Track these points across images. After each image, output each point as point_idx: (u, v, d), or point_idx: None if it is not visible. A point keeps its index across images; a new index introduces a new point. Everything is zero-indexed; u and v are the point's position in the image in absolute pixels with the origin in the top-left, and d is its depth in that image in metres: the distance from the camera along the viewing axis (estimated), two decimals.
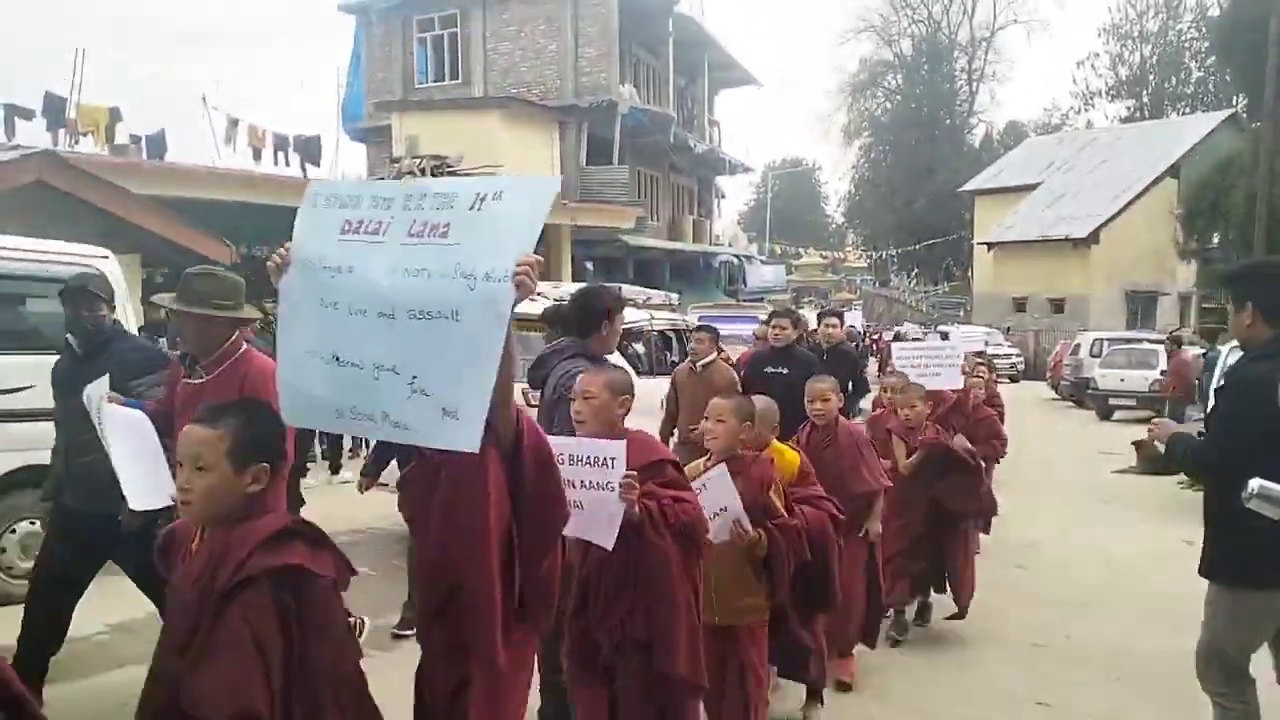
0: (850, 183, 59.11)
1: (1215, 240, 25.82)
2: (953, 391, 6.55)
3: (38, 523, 5.38)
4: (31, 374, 5.15)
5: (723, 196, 37.63)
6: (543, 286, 9.13)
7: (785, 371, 6.45)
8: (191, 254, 10.44)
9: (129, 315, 6.02)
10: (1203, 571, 3.32)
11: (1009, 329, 31.01)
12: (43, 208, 9.03)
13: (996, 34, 52.32)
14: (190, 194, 11.79)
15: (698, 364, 6.71)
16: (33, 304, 6.06)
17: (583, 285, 6.27)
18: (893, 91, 54.95)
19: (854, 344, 15.41)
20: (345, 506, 7.96)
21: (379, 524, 7.72)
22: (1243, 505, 2.77)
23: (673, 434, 6.54)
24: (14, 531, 5.57)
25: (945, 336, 21.48)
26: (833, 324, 7.97)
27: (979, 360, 8.56)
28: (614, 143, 23.90)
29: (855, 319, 18.79)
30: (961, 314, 37.37)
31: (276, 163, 18.30)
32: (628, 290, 9.35)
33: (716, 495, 3.22)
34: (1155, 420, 3.62)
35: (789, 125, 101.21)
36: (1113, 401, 18.40)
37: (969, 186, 39.20)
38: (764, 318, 9.41)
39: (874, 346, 21.01)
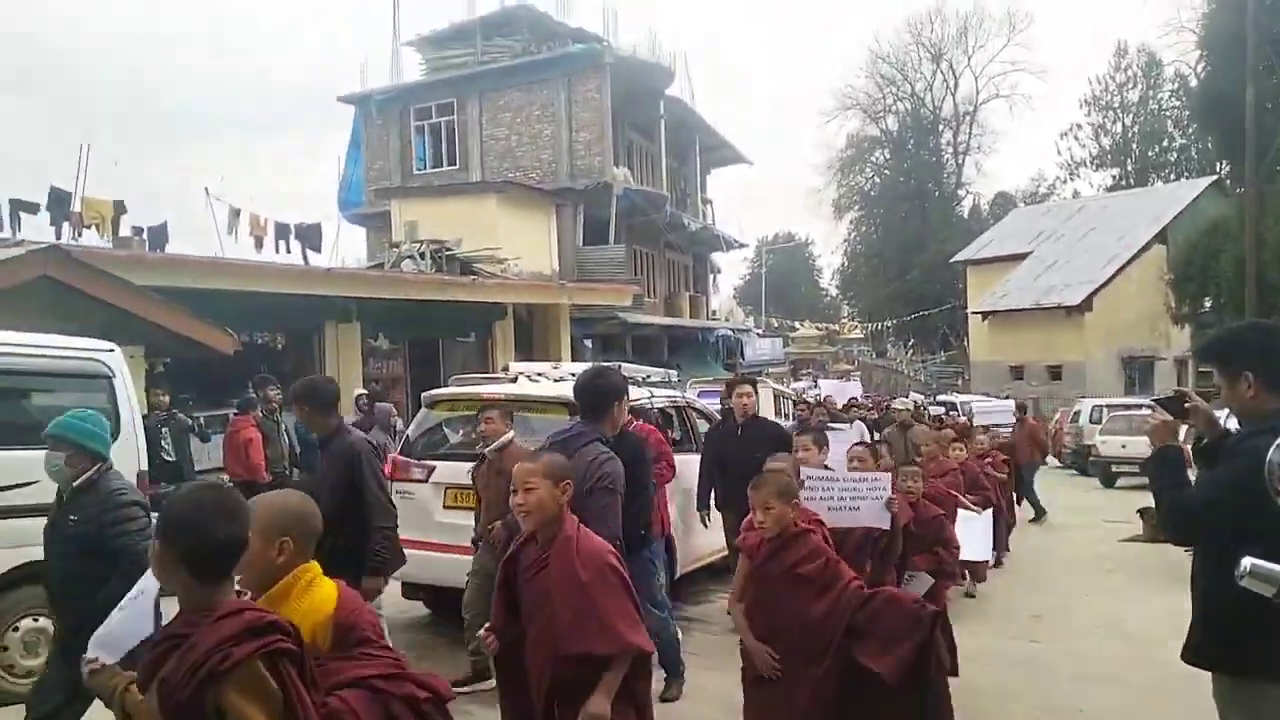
0: (843, 255, 59.89)
1: (1207, 304, 26.06)
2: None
3: (40, 618, 5.34)
4: (33, 470, 5.16)
5: (718, 272, 38.04)
6: (543, 367, 9.21)
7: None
8: (195, 344, 10.55)
9: (133, 405, 6.07)
10: (1196, 659, 3.03)
11: (1007, 397, 31.06)
12: (48, 302, 9.15)
13: (980, 108, 53.53)
14: (193, 284, 11.92)
15: (488, 449, 5.83)
16: (37, 399, 6.11)
17: (590, 366, 6.23)
18: (881, 166, 55.99)
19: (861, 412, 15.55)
20: None
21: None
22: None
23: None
24: (16, 629, 5.51)
25: (952, 408, 21.54)
26: (745, 393, 7.01)
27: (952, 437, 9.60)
28: (610, 223, 24.26)
29: (855, 390, 19.09)
30: (959, 382, 37.44)
31: (278, 251, 18.53)
32: (627, 368, 9.41)
33: None
34: (1190, 404, 3.12)
35: (781, 202, 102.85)
36: (1115, 468, 18.35)
37: (960, 257, 39.65)
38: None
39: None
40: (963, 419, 17.11)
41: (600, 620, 2.93)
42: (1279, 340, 2.98)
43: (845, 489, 4.44)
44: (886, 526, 4.55)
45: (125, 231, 15.50)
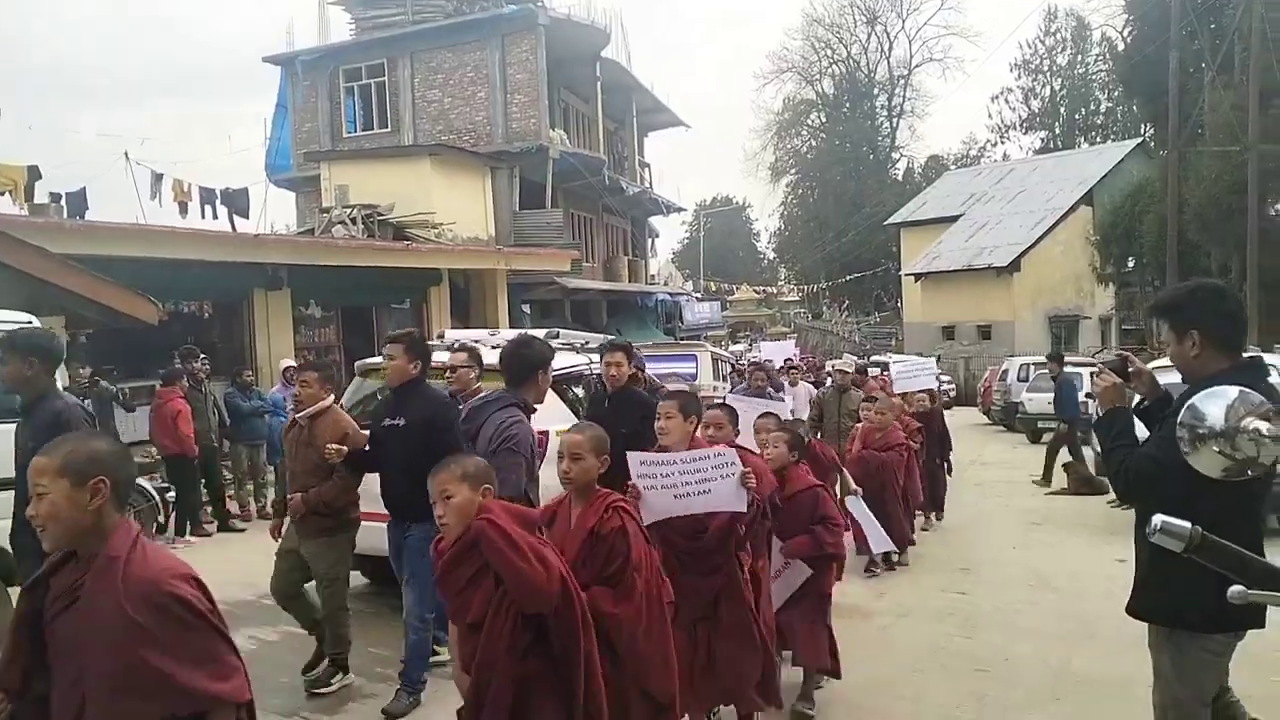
0: (780, 219, 60.26)
1: (1130, 264, 26.82)
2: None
3: None
4: None
5: (656, 236, 38.03)
6: (479, 334, 9.12)
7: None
8: (117, 314, 10.23)
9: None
10: (1135, 610, 3.15)
11: (939, 356, 31.70)
12: None
13: (914, 72, 54.02)
14: (115, 252, 11.54)
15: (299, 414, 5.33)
16: None
17: (518, 334, 6.20)
18: (817, 129, 56.28)
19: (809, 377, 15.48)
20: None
21: None
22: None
23: None
24: None
25: (886, 368, 21.79)
26: (616, 361, 5.97)
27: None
28: (546, 187, 24.04)
29: (791, 351, 18.82)
30: (893, 343, 38.07)
31: (204, 217, 18.05)
32: (566, 334, 9.36)
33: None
34: (1107, 379, 3.22)
35: (718, 165, 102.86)
36: (1041, 424, 18.86)
37: (894, 219, 40.16)
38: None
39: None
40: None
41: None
42: (1228, 304, 3.06)
43: (688, 470, 3.71)
44: (744, 508, 3.78)
45: (41, 198, 14.94)
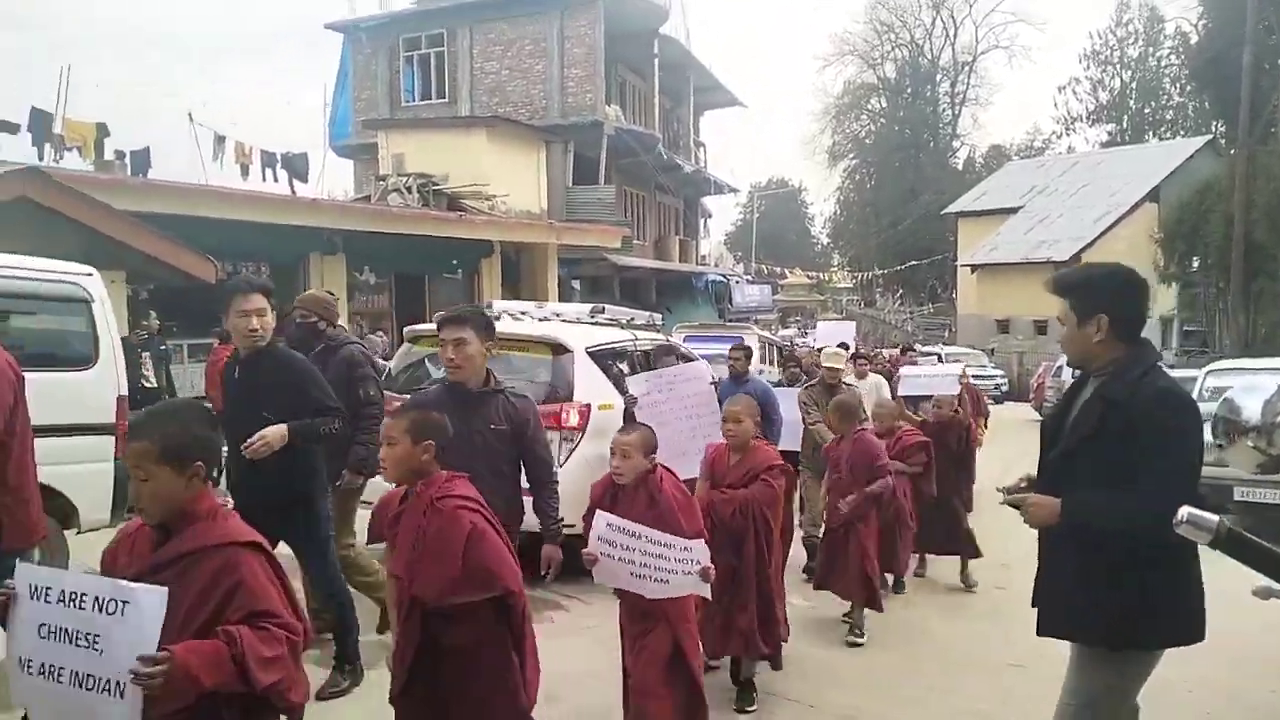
0: (835, 204, 59.60)
1: (1195, 264, 26.13)
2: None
3: None
4: None
5: (709, 216, 37.85)
6: (526, 306, 9.18)
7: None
8: (176, 271, 10.46)
9: (113, 331, 6.03)
10: (1068, 630, 2.96)
11: (993, 350, 31.22)
12: (27, 224, 9.03)
13: (979, 59, 52.97)
14: (176, 211, 11.79)
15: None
16: (15, 321, 6.05)
17: (566, 307, 6.31)
18: (876, 114, 55.48)
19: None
20: None
21: None
22: (1133, 548, 2.65)
23: None
24: None
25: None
26: (454, 341, 4.08)
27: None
28: (600, 163, 24.03)
29: (849, 334, 16.65)
30: (946, 334, 37.60)
31: (264, 180, 18.32)
32: (612, 309, 9.38)
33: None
34: (1032, 500, 2.89)
35: (774, 147, 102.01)
36: None
37: (952, 208, 39.53)
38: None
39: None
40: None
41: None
42: (1142, 294, 2.94)
43: (650, 554, 3.54)
44: (707, 595, 3.70)
45: (108, 155, 15.28)
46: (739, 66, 58.74)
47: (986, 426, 11.00)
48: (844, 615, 5.87)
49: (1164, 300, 30.87)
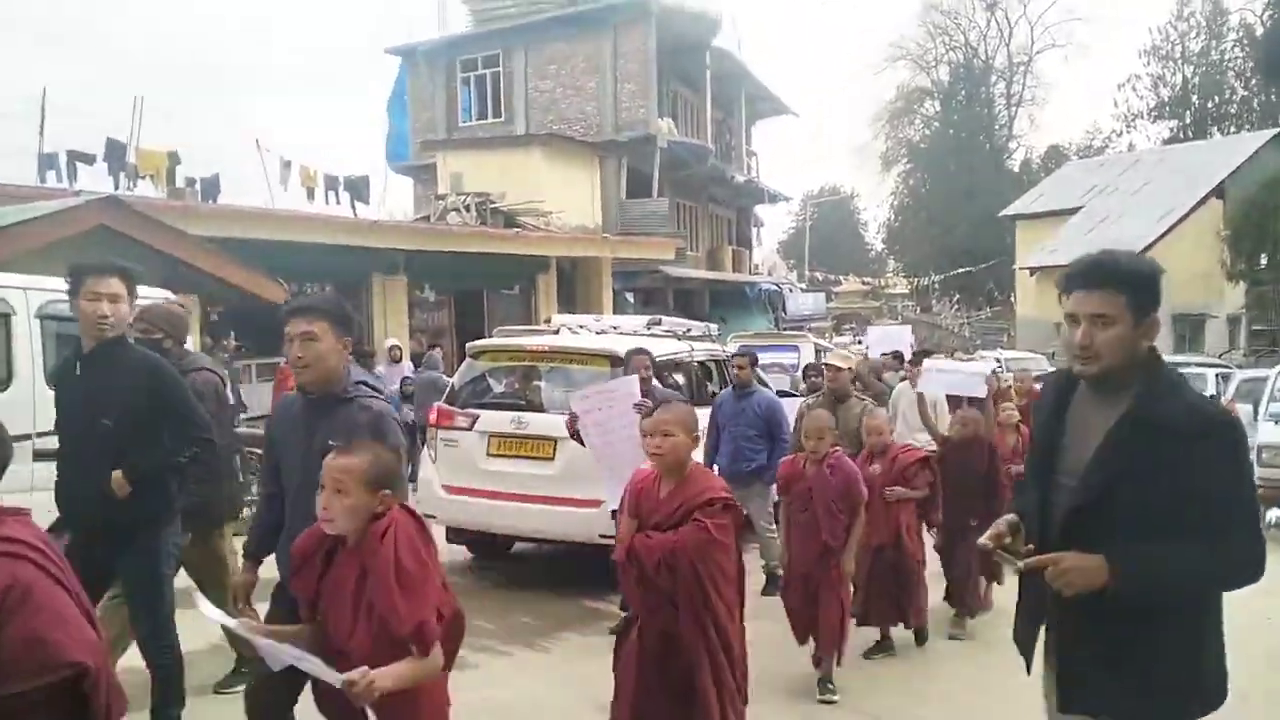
0: (889, 209, 59.04)
1: (1263, 261, 25.45)
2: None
3: None
4: None
5: (761, 226, 37.82)
6: (584, 319, 9.35)
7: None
8: (247, 293, 10.82)
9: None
10: (1104, 710, 2.34)
11: (1053, 354, 30.73)
12: (105, 251, 9.39)
13: (1034, 59, 52.18)
14: (244, 234, 12.18)
15: None
16: None
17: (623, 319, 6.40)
18: (930, 118, 54.90)
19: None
20: None
21: None
22: (1189, 610, 2.24)
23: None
24: None
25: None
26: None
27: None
28: (653, 176, 24.22)
29: (906, 340, 14.83)
30: (1005, 339, 37.04)
31: (328, 202, 18.80)
32: (668, 321, 9.50)
33: None
34: (1068, 562, 2.23)
35: (827, 154, 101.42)
36: None
37: (1009, 211, 38.93)
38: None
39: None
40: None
41: None
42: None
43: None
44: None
45: (179, 183, 15.82)
46: (791, 75, 58.65)
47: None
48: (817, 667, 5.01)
49: (1232, 299, 30.10)
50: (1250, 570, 2.19)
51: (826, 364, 7.26)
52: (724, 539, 3.35)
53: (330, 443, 2.91)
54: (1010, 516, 2.52)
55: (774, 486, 6.22)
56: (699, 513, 3.32)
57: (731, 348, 12.18)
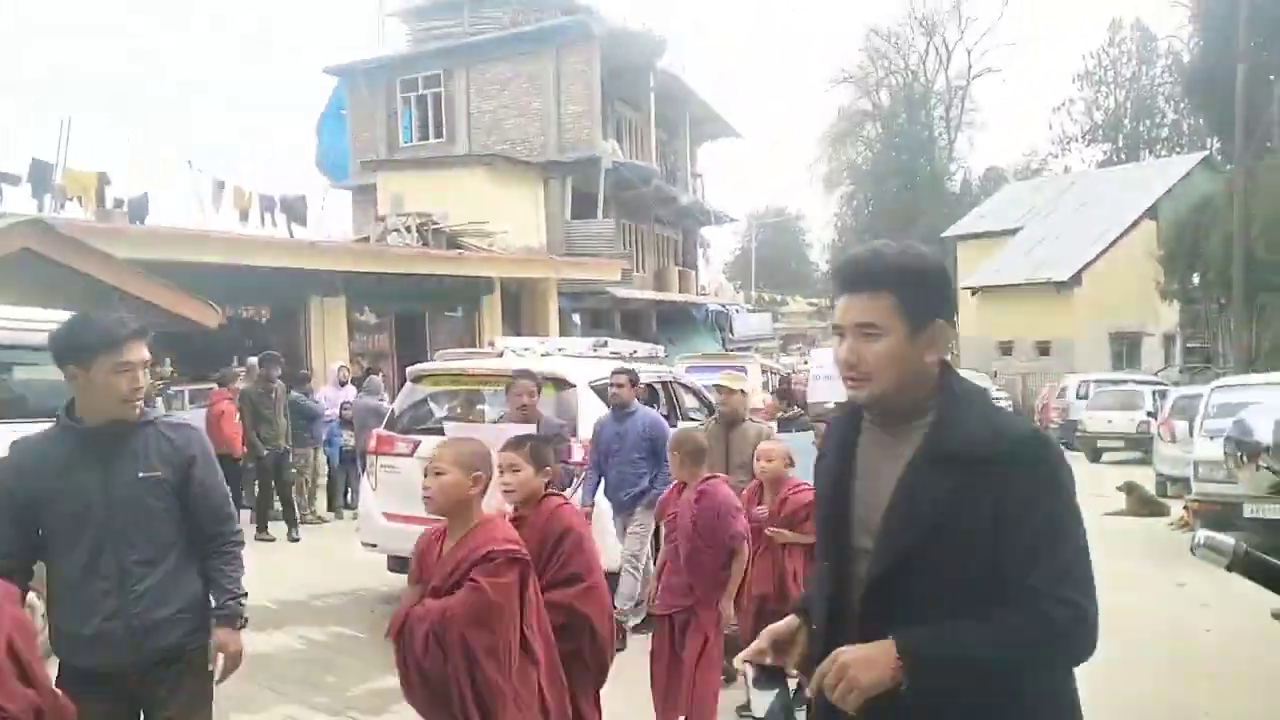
0: (834, 230, 59.79)
1: (1196, 281, 26.13)
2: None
3: None
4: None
5: (708, 247, 37.96)
6: (529, 342, 9.18)
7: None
8: (178, 317, 10.48)
9: None
10: None
11: (995, 373, 31.17)
12: (30, 275, 9.06)
13: (972, 83, 53.34)
14: (176, 257, 11.83)
15: None
16: (19, 372, 6.06)
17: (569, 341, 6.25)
18: (872, 140, 55.80)
19: None
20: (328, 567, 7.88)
21: (367, 585, 7.65)
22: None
23: None
24: None
25: None
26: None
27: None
28: (598, 197, 24.14)
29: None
30: (949, 358, 37.57)
31: (263, 223, 18.41)
32: (615, 344, 9.38)
33: None
34: (844, 658, 1.64)
35: (772, 176, 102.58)
36: (1101, 443, 18.45)
37: (951, 232, 39.60)
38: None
39: None
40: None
41: None
42: (950, 284, 1.94)
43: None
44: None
45: (108, 204, 15.37)
46: (736, 97, 59.25)
47: None
48: None
49: (1167, 317, 30.86)
50: (1077, 638, 1.68)
51: (717, 385, 6.65)
52: (504, 601, 2.73)
53: (141, 476, 2.72)
54: (784, 621, 1.97)
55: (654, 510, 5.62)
56: (475, 571, 2.74)
57: (680, 369, 12.12)
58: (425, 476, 2.92)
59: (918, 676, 1.59)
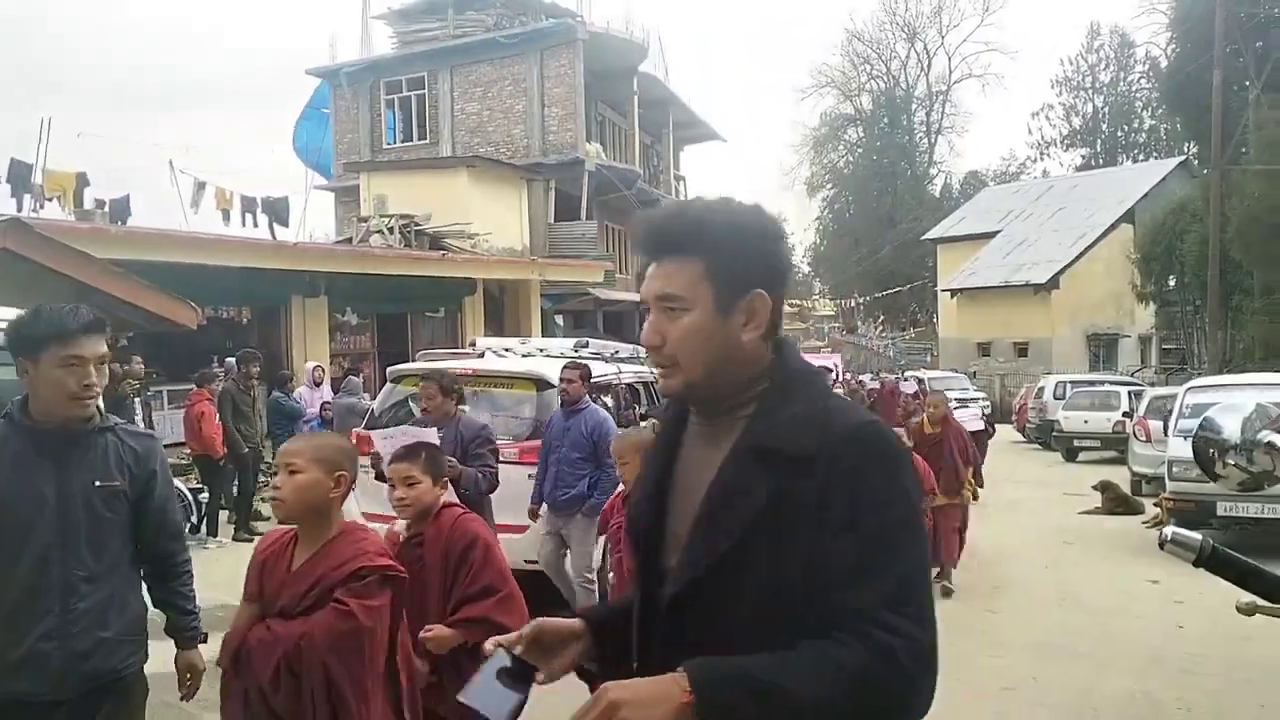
0: (815, 233, 60.01)
1: (1171, 283, 26.42)
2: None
3: None
4: None
5: None
6: (510, 342, 9.21)
7: None
8: (158, 318, 10.43)
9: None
10: None
11: (974, 374, 31.40)
12: (7, 275, 9.00)
13: (952, 88, 53.70)
14: (156, 258, 11.78)
15: None
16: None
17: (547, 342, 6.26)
18: (854, 144, 56.08)
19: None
20: None
21: None
22: None
23: None
24: None
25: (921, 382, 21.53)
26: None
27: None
28: (581, 199, 24.17)
29: (833, 364, 16.49)
30: (928, 359, 37.78)
31: (245, 224, 18.36)
32: (596, 343, 9.41)
33: None
34: (612, 695, 1.24)
35: (754, 179, 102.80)
36: (1077, 443, 18.60)
37: (931, 235, 39.90)
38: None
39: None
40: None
41: None
42: (786, 249, 1.60)
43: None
44: None
45: (88, 204, 15.29)
46: (719, 101, 59.42)
47: (979, 483, 8.67)
48: None
49: (1143, 319, 31.19)
50: (914, 676, 1.33)
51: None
52: (375, 626, 2.39)
53: (99, 484, 2.50)
54: (568, 620, 1.55)
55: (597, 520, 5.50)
56: (341, 589, 2.36)
57: None
58: (277, 475, 2.52)
59: (713, 715, 1.23)
